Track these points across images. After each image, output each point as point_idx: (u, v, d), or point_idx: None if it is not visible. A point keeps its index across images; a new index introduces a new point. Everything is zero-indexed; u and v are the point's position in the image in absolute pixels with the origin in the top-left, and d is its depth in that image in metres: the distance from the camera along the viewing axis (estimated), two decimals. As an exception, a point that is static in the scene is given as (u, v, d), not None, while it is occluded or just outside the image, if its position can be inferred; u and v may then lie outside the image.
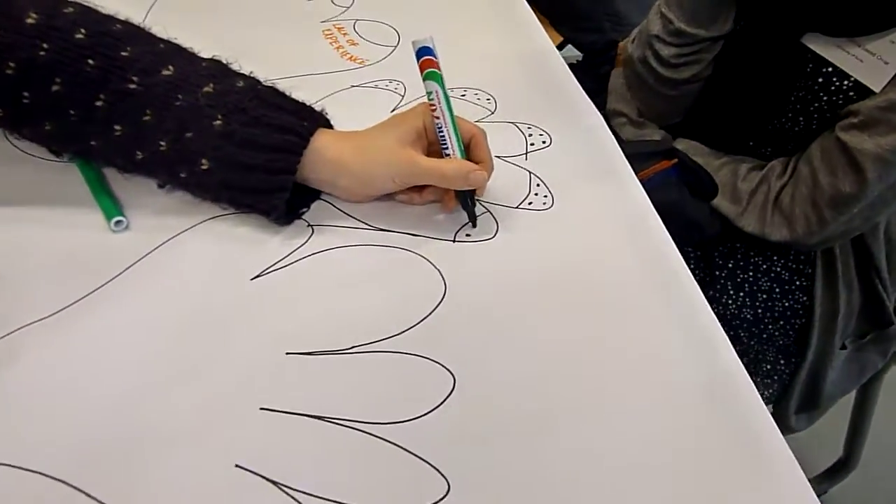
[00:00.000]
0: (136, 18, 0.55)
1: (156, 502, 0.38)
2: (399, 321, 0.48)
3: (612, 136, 0.65)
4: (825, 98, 0.77)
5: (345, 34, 0.79)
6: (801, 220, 0.80)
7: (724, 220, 0.85)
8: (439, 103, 0.53)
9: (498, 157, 0.57)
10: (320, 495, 0.39)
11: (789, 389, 0.90)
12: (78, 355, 0.45)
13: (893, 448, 1.31)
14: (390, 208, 0.56)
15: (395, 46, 0.77)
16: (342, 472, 0.40)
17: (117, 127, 0.52)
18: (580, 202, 0.58)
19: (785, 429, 0.93)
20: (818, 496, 0.40)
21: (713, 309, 0.50)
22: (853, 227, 0.80)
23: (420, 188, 0.56)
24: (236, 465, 0.40)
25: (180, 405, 0.43)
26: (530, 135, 0.65)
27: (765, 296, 0.87)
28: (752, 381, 0.46)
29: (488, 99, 0.70)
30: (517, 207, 0.58)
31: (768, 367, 0.89)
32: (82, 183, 0.56)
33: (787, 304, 0.87)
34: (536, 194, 0.59)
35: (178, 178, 0.53)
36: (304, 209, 0.56)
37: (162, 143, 0.52)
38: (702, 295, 0.51)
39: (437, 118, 0.53)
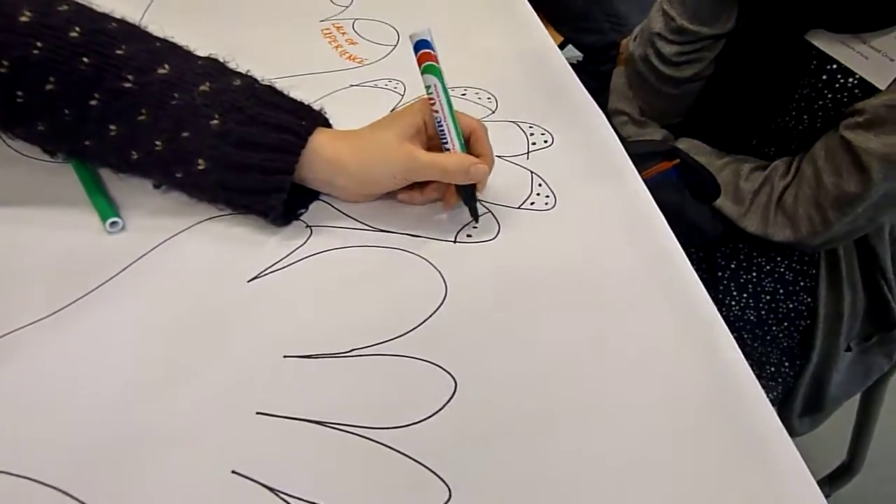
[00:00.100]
0: (134, 18, 0.55)
1: (150, 510, 0.37)
2: (399, 323, 0.47)
3: (615, 135, 0.64)
4: (829, 96, 0.76)
5: (344, 33, 0.79)
6: (805, 220, 0.79)
7: (726, 221, 0.84)
8: (438, 97, 0.52)
9: (499, 156, 0.56)
10: (318, 502, 0.38)
11: (793, 392, 0.89)
12: (71, 359, 0.44)
13: (898, 451, 1.30)
14: (390, 208, 0.56)
15: (395, 45, 0.76)
16: (341, 479, 0.39)
17: (112, 126, 0.51)
18: (583, 202, 0.58)
19: (789, 432, 0.91)
20: (821, 500, 0.39)
21: (716, 311, 0.49)
22: (857, 228, 0.79)
23: (421, 186, 0.56)
24: (232, 472, 0.39)
25: (175, 409, 0.42)
26: (532, 134, 0.65)
27: (768, 297, 0.86)
28: (758, 382, 0.45)
29: (489, 98, 0.69)
30: (519, 208, 0.57)
31: (772, 369, 0.88)
32: (77, 183, 0.55)
33: (790, 305, 0.86)
34: (538, 194, 0.58)
35: (173, 178, 0.53)
36: (303, 210, 0.55)
37: (157, 142, 0.51)
38: (707, 296, 0.50)
39: (437, 112, 0.53)
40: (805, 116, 0.79)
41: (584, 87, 0.70)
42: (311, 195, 0.56)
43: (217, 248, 0.52)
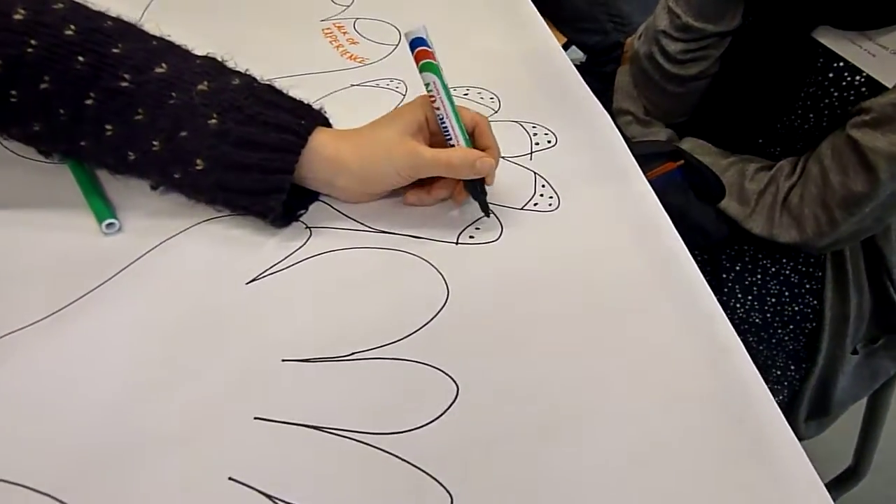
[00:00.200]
0: (133, 17, 0.54)
1: (144, 517, 0.37)
2: (400, 326, 0.46)
3: (619, 135, 0.64)
4: (836, 94, 0.76)
5: (345, 33, 0.78)
6: (811, 220, 0.78)
7: (731, 223, 0.83)
8: (438, 94, 0.52)
9: (502, 157, 0.56)
10: (317, 510, 0.37)
11: (799, 395, 0.88)
12: (66, 362, 0.44)
13: (904, 456, 1.29)
14: (390, 209, 0.55)
15: (396, 45, 0.76)
16: (340, 485, 0.38)
17: (108, 126, 0.50)
18: (587, 203, 0.57)
19: (795, 436, 0.91)
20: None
21: (721, 313, 0.49)
22: (864, 229, 0.79)
23: (429, 186, 0.55)
24: (229, 478, 0.38)
25: (171, 414, 0.41)
26: (535, 134, 0.64)
27: (773, 300, 0.85)
28: (766, 388, 0.44)
29: (492, 98, 0.68)
30: (522, 209, 0.56)
31: (778, 372, 0.87)
32: (73, 185, 0.55)
33: (796, 308, 0.86)
34: (542, 195, 0.58)
35: (171, 178, 0.52)
36: (302, 211, 0.55)
37: (155, 142, 0.50)
38: (714, 298, 0.50)
39: (438, 109, 0.52)
40: (811, 115, 0.78)
41: (587, 87, 0.69)
42: (310, 196, 0.55)
43: (215, 250, 0.51)
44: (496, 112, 0.67)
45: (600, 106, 0.67)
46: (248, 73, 0.54)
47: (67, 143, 0.53)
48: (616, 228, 0.55)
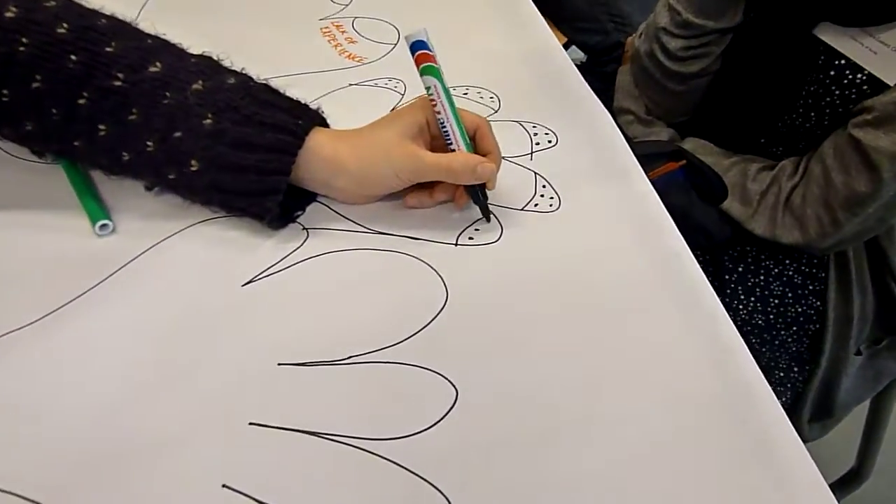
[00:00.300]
0: (129, 16, 0.53)
1: (136, 526, 0.36)
2: (398, 329, 0.46)
3: (621, 134, 0.63)
4: (837, 92, 0.75)
5: (343, 32, 0.77)
6: (814, 221, 0.78)
7: (734, 223, 0.83)
8: (439, 97, 0.51)
9: (502, 157, 0.55)
10: (313, 518, 0.36)
11: (802, 397, 0.88)
12: (57, 366, 0.43)
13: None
14: (389, 210, 0.54)
15: (395, 44, 0.75)
16: (337, 493, 0.38)
17: (102, 126, 0.50)
18: (588, 203, 0.56)
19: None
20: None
21: (724, 315, 0.48)
22: (867, 229, 0.78)
23: (430, 189, 0.54)
24: (223, 485, 0.37)
25: (164, 419, 0.40)
26: (535, 134, 0.63)
27: (777, 301, 0.85)
28: (770, 388, 0.44)
29: (492, 97, 0.68)
30: (522, 209, 0.56)
31: (781, 374, 0.87)
32: (67, 185, 0.54)
33: (799, 309, 0.85)
34: (542, 195, 0.57)
35: (166, 179, 0.51)
36: (299, 212, 0.54)
37: (149, 143, 0.50)
38: (717, 300, 0.49)
39: (439, 113, 0.51)
40: (812, 114, 0.78)
41: (588, 86, 0.69)
42: (307, 197, 0.54)
43: (210, 252, 0.50)
44: (496, 112, 0.66)
45: (601, 105, 0.67)
46: (244, 72, 0.53)
47: (60, 143, 0.52)
48: (617, 229, 0.54)
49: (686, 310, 0.48)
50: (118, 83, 0.49)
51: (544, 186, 0.58)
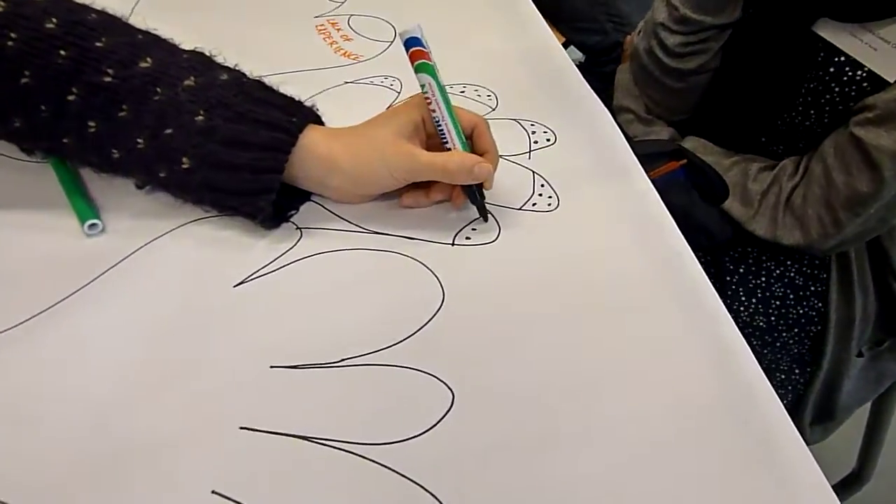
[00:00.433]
0: (122, 13, 0.53)
1: (122, 533, 0.35)
2: (393, 331, 0.45)
3: (620, 133, 0.62)
4: (837, 90, 0.74)
5: (339, 29, 0.76)
6: (815, 221, 0.77)
7: (735, 223, 0.82)
8: (434, 95, 0.50)
9: (500, 156, 0.54)
10: (305, 525, 0.36)
11: (804, 399, 0.87)
12: (44, 369, 0.42)
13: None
14: (384, 210, 0.54)
15: (391, 42, 0.75)
16: (330, 500, 0.37)
17: (91, 123, 0.49)
18: (587, 203, 0.56)
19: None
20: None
21: (725, 316, 0.47)
22: (868, 230, 0.77)
23: (426, 188, 0.54)
24: (213, 491, 0.37)
25: (153, 423, 0.39)
26: (533, 132, 0.63)
27: (778, 302, 0.84)
28: (772, 389, 0.43)
29: (489, 95, 0.67)
30: (520, 209, 0.55)
31: (782, 376, 0.86)
32: (56, 184, 0.53)
33: (801, 310, 0.84)
34: (541, 195, 0.56)
35: (157, 178, 0.50)
36: (293, 211, 0.53)
37: (139, 140, 0.49)
38: (719, 300, 0.48)
39: (434, 111, 0.51)
40: (812, 111, 0.77)
41: (587, 84, 0.68)
42: (301, 196, 0.54)
43: (202, 252, 0.50)
44: (493, 110, 0.65)
45: (600, 103, 0.66)
46: (237, 68, 0.52)
47: (49, 141, 0.51)
48: (617, 228, 0.54)
49: (687, 310, 0.48)
50: (108, 79, 0.48)
51: (543, 186, 0.57)
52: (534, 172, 0.58)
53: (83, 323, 0.44)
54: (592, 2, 1.34)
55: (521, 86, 0.69)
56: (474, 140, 0.53)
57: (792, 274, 0.84)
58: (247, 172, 0.48)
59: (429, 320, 0.46)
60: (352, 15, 0.79)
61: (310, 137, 0.50)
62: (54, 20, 0.48)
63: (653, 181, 0.58)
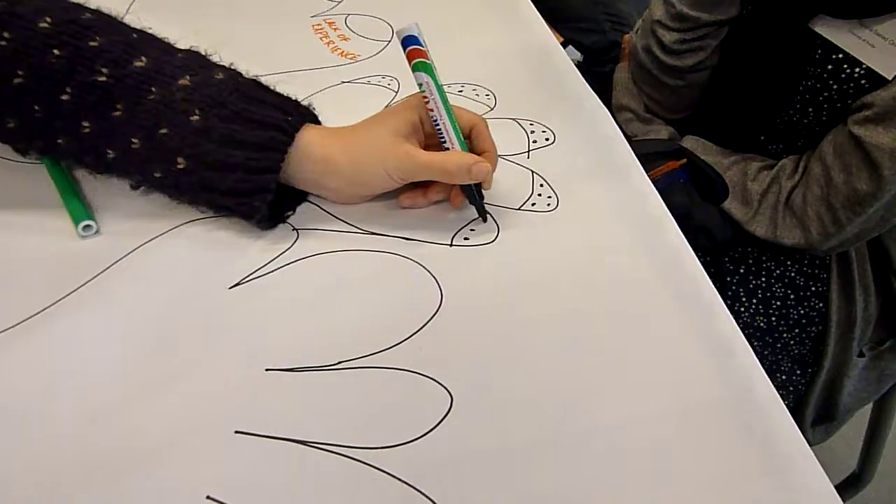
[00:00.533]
0: (118, 12, 0.52)
1: (115, 540, 0.35)
2: (391, 333, 0.44)
3: (620, 132, 0.62)
4: (835, 87, 0.74)
5: (336, 29, 0.76)
6: (815, 221, 0.76)
7: (735, 224, 0.81)
8: (432, 95, 0.50)
9: (498, 155, 0.54)
10: (301, 531, 0.35)
11: (805, 400, 0.87)
12: (36, 372, 0.42)
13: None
14: (382, 210, 0.53)
15: (389, 41, 0.74)
16: (326, 504, 0.36)
17: (85, 123, 0.48)
18: (587, 203, 0.55)
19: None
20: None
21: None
22: (869, 229, 0.77)
23: (424, 188, 0.53)
24: (207, 497, 0.36)
25: (147, 427, 0.39)
26: (532, 132, 0.62)
27: (779, 303, 0.83)
28: (776, 392, 0.43)
29: (487, 94, 0.66)
30: (519, 209, 0.54)
31: (783, 377, 0.85)
32: (50, 184, 0.53)
33: (802, 311, 0.84)
34: (540, 195, 0.56)
35: (152, 178, 0.50)
36: (289, 212, 0.53)
37: (134, 140, 0.48)
38: (721, 300, 0.48)
39: (432, 110, 0.50)
40: (810, 109, 0.77)
41: (586, 83, 0.68)
42: (298, 197, 0.53)
43: (197, 253, 0.49)
44: (492, 109, 0.65)
45: (600, 103, 0.66)
46: (232, 67, 0.52)
47: (43, 141, 0.51)
48: (617, 228, 0.53)
49: (688, 310, 0.47)
50: (102, 78, 0.47)
51: (542, 185, 0.57)
52: (533, 172, 0.58)
53: (76, 326, 0.44)
54: (590, 1, 1.34)
55: (520, 85, 0.68)
56: (473, 140, 0.52)
57: (792, 274, 0.84)
58: (242, 172, 0.48)
59: (427, 322, 0.45)
60: (349, 14, 0.79)
61: (306, 137, 0.49)
62: (48, 19, 0.47)
63: (653, 181, 0.57)
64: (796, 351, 0.85)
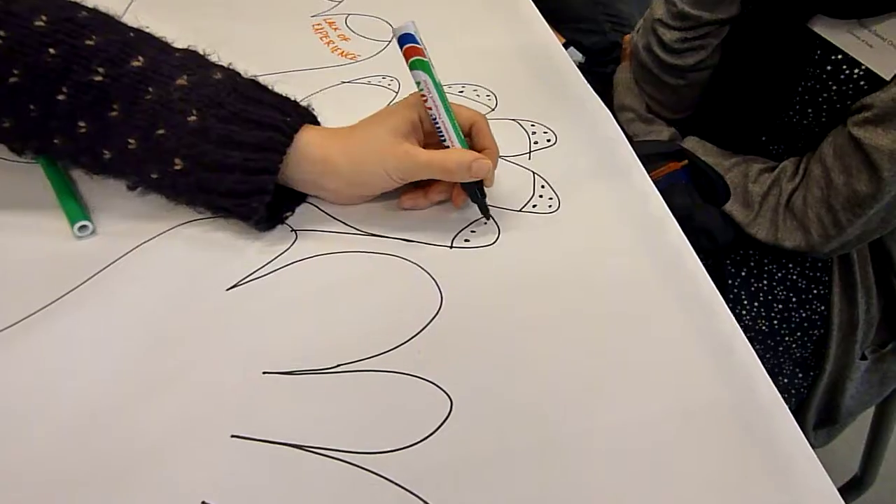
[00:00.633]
0: (116, 12, 0.52)
1: (110, 546, 0.34)
2: (390, 336, 0.44)
3: (622, 133, 0.61)
4: (834, 88, 0.74)
5: (336, 29, 0.75)
6: (816, 223, 0.76)
7: (736, 225, 0.81)
8: (430, 93, 0.49)
9: (500, 157, 0.53)
10: (298, 537, 0.35)
11: (807, 403, 0.86)
12: (29, 375, 0.41)
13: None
14: (381, 211, 0.53)
15: (389, 42, 0.74)
16: (324, 510, 0.36)
17: (81, 123, 0.48)
18: (588, 204, 0.55)
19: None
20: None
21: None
22: (870, 231, 0.77)
23: (425, 188, 0.53)
24: (203, 502, 0.36)
25: (142, 430, 0.38)
26: (534, 133, 0.62)
27: (780, 306, 0.83)
28: (778, 394, 0.42)
29: (488, 95, 0.66)
30: (520, 210, 0.54)
31: (785, 380, 0.85)
32: (46, 184, 0.52)
33: (803, 314, 0.83)
34: (541, 196, 0.55)
35: (149, 179, 0.49)
36: (288, 213, 0.52)
37: (131, 140, 0.48)
38: (723, 303, 0.48)
39: (431, 109, 0.50)
40: (810, 110, 0.77)
41: (587, 84, 0.67)
42: (297, 198, 0.53)
43: (194, 254, 0.49)
44: (492, 110, 0.65)
45: (601, 103, 0.66)
46: (230, 66, 0.51)
47: (39, 141, 0.50)
48: (619, 229, 0.53)
49: (689, 311, 0.47)
50: (98, 78, 0.47)
51: (543, 187, 0.56)
52: (534, 173, 0.57)
53: (72, 327, 0.43)
54: (591, 2, 1.34)
55: (521, 86, 0.68)
56: (473, 137, 0.52)
57: (794, 277, 0.83)
58: (240, 173, 0.47)
59: (427, 325, 0.45)
60: (349, 14, 0.78)
61: (305, 138, 0.49)
62: (44, 18, 0.47)
63: (654, 182, 0.57)
64: (798, 354, 0.84)
